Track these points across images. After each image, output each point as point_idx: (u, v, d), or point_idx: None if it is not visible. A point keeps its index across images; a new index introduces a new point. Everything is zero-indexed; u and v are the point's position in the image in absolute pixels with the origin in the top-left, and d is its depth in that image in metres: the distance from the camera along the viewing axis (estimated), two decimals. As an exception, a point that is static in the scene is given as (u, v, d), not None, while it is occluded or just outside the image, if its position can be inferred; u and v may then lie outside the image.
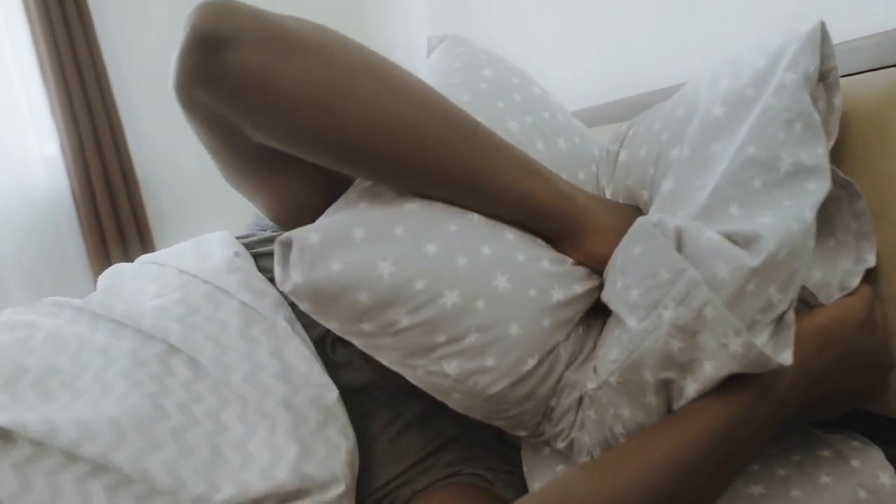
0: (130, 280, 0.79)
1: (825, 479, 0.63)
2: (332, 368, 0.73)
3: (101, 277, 0.81)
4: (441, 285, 0.60)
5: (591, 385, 0.65)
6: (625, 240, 0.63)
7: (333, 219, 0.62)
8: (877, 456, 0.65)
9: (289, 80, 0.57)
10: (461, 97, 0.72)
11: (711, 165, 0.64)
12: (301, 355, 0.69)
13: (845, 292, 0.65)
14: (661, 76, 1.21)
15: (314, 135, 0.60)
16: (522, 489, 0.72)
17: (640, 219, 0.62)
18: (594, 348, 0.68)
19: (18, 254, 2.20)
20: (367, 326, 0.61)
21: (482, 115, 0.70)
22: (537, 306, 0.63)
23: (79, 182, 2.23)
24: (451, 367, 0.61)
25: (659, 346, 0.57)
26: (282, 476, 0.60)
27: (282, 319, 0.71)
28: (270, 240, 0.80)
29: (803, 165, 0.61)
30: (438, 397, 0.65)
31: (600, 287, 0.67)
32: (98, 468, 0.54)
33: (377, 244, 0.60)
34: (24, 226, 2.21)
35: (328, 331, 0.75)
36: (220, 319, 0.70)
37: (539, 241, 0.67)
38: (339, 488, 0.63)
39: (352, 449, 0.67)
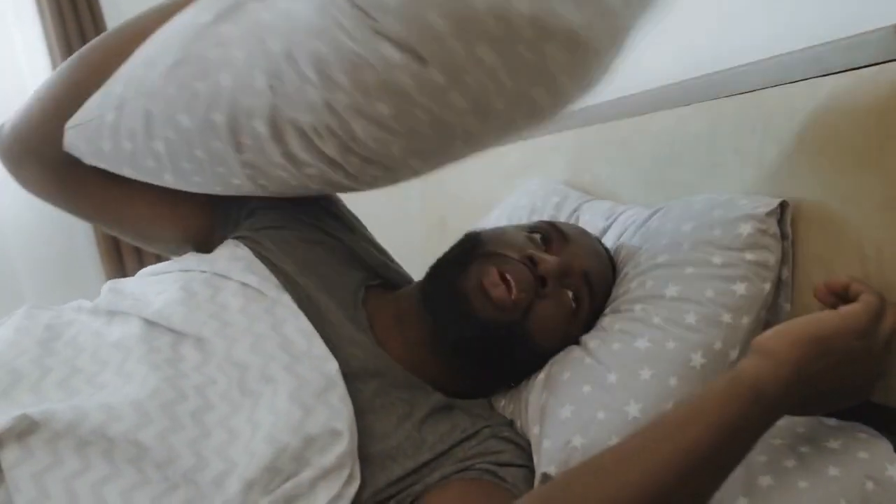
0: (134, 286, 0.81)
1: (833, 470, 0.63)
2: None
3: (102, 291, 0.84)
4: None
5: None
6: None
7: None
8: (885, 447, 0.65)
9: None
10: None
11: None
12: (301, 331, 0.72)
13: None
14: (660, 72, 1.20)
15: None
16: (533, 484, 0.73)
17: None
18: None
19: (32, 260, 2.21)
20: None
21: None
22: None
23: (92, 186, 2.24)
24: None
25: None
26: (285, 438, 0.62)
27: (287, 297, 0.74)
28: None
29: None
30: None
31: None
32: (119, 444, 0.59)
33: None
34: (37, 231, 2.22)
35: None
36: (220, 302, 0.73)
37: None
38: (342, 444, 0.64)
39: (352, 417, 0.68)
